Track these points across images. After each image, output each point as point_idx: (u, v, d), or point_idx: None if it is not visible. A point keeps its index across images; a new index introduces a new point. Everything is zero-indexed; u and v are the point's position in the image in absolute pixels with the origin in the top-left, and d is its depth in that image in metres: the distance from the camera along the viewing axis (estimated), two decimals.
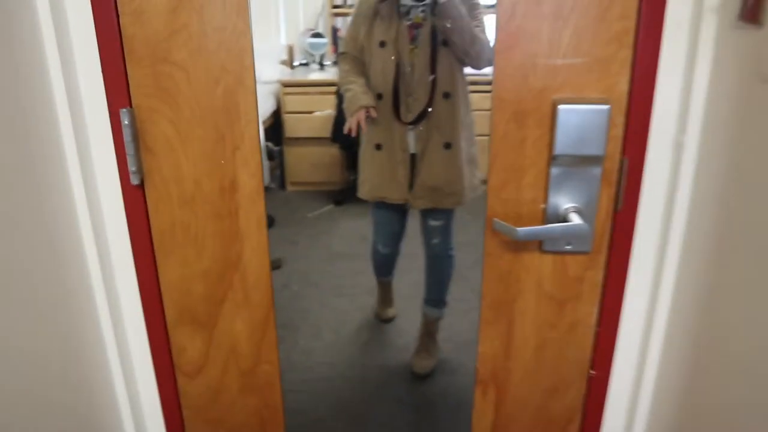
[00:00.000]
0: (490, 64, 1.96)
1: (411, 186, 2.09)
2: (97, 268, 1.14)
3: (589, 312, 1.14)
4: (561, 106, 0.99)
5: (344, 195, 3.48)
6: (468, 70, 1.97)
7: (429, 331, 2.37)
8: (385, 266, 2.52)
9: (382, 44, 1.95)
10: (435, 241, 2.28)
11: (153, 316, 1.20)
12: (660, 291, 1.08)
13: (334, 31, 3.96)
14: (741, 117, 0.87)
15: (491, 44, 1.89)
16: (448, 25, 1.87)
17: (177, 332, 1.22)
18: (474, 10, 1.90)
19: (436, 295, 2.39)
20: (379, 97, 2.00)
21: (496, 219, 1.07)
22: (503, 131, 1.04)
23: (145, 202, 1.12)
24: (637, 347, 1.15)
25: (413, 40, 1.92)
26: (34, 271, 0.98)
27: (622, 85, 1.00)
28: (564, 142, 1.01)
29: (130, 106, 1.05)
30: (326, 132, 3.47)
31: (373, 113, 1.99)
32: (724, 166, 0.92)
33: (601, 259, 1.10)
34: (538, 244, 1.09)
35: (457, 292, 2.66)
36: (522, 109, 1.02)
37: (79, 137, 1.06)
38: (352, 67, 2.02)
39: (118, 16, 1.01)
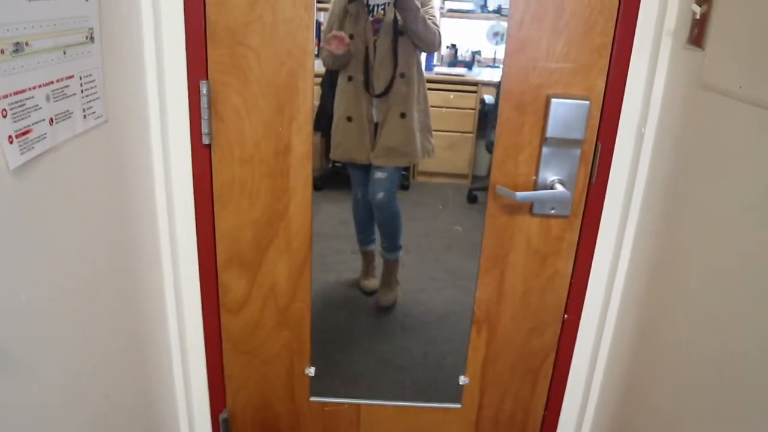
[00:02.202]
0: (438, 48, 2.55)
1: (373, 148, 2.51)
2: (165, 213, 1.37)
3: (566, 266, 1.43)
4: (553, 99, 1.28)
5: (324, 180, 3.69)
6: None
7: (389, 270, 2.77)
8: (364, 221, 2.86)
9: (351, 37, 2.39)
10: (380, 195, 2.68)
11: (206, 259, 1.43)
12: (621, 249, 1.38)
13: (317, 25, 4.19)
14: (686, 114, 1.17)
15: (439, 33, 2.36)
16: (408, 15, 2.27)
17: (226, 273, 1.45)
18: (426, 5, 2.34)
19: (388, 242, 2.79)
20: (350, 78, 2.43)
21: (498, 185, 1.34)
22: (507, 117, 1.32)
23: (211, 160, 1.35)
24: (602, 296, 1.45)
25: (376, 32, 2.35)
26: (112, 207, 1.19)
27: (600, 86, 1.30)
28: (554, 127, 1.30)
29: (208, 79, 1.29)
30: None
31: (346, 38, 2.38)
32: (673, 150, 1.22)
33: (578, 222, 1.39)
34: (529, 208, 1.38)
35: (432, 271, 2.94)
36: (523, 101, 1.31)
37: (162, 101, 1.29)
38: None
39: (204, 5, 1.25)
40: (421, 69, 2.47)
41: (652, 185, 1.31)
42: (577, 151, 1.33)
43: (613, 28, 1.26)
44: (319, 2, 4.25)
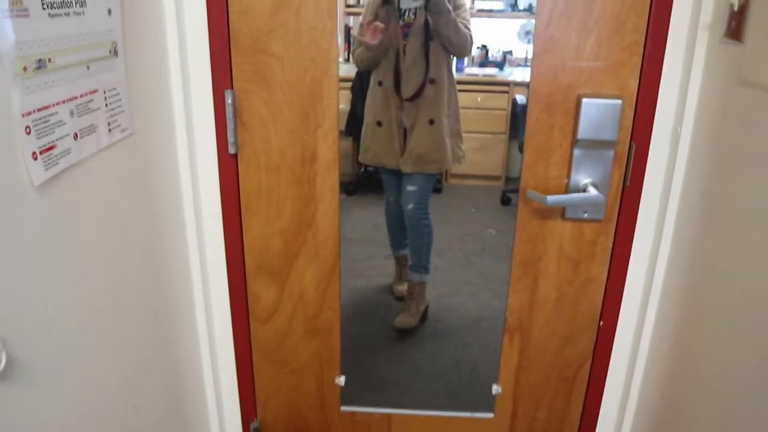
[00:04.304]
0: (469, 53, 2.54)
1: (402, 153, 2.51)
2: (193, 223, 1.37)
3: (600, 271, 1.39)
4: (584, 100, 1.24)
5: (356, 185, 3.70)
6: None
7: (412, 294, 2.71)
8: (396, 225, 2.83)
9: (382, 42, 2.39)
10: (411, 206, 2.65)
11: (235, 268, 1.42)
12: (659, 254, 1.33)
13: (347, 29, 4.19)
14: (725, 112, 1.12)
15: (471, 37, 2.34)
16: (439, 18, 2.27)
17: (254, 282, 1.44)
18: (458, 9, 2.33)
19: (417, 261, 2.73)
20: (380, 83, 2.44)
21: (529, 189, 1.31)
22: (536, 118, 1.28)
23: (237, 168, 1.35)
24: (638, 302, 1.40)
25: (405, 36, 2.37)
26: (139, 218, 1.19)
27: (633, 85, 1.25)
28: (585, 128, 1.26)
29: (232, 89, 1.28)
30: (341, 125, 3.70)
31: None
32: (711, 150, 1.17)
33: (612, 226, 1.35)
34: (561, 212, 1.34)
35: (465, 275, 2.91)
36: (552, 101, 1.27)
37: (187, 112, 1.29)
38: None
39: (228, 13, 1.24)
40: (452, 74, 2.45)
41: (689, 187, 1.26)
42: (610, 153, 1.28)
43: (646, 24, 1.21)
44: (348, 6, 4.25)
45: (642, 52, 1.23)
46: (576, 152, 1.28)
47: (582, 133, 1.26)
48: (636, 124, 1.27)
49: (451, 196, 3.57)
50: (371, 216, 3.43)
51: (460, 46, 2.36)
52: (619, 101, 1.24)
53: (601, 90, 1.26)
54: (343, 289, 2.81)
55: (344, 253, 3.12)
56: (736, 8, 1.07)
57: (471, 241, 3.24)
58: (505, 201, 3.71)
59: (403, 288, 2.86)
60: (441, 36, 2.32)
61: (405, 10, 2.39)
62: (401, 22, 2.37)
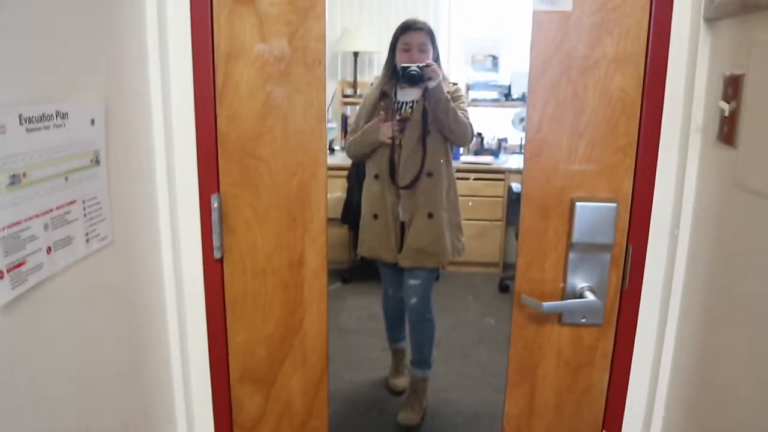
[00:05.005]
0: (469, 141, 2.53)
1: (400, 249, 2.47)
2: (175, 328, 1.32)
3: (601, 377, 1.32)
4: (578, 203, 1.22)
5: (352, 273, 3.66)
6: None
7: (415, 390, 2.62)
8: (394, 318, 2.73)
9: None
10: (413, 300, 2.57)
11: (219, 374, 1.36)
12: (662, 358, 1.27)
13: (344, 118, 4.25)
14: (722, 215, 1.09)
15: (471, 126, 2.37)
16: (438, 106, 2.30)
17: (239, 389, 1.38)
18: (457, 100, 2.36)
19: (419, 356, 2.65)
20: (376, 177, 2.44)
21: (523, 295, 1.26)
22: (530, 222, 1.25)
23: (222, 273, 1.31)
24: (643, 409, 1.33)
25: (402, 131, 2.39)
26: (118, 329, 1.15)
27: (627, 187, 1.23)
28: (580, 231, 1.23)
29: (219, 192, 1.26)
30: (335, 213, 3.69)
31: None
32: (711, 253, 1.13)
33: (611, 330, 1.29)
34: (558, 317, 1.29)
35: (463, 368, 2.82)
36: (545, 204, 1.24)
37: (173, 217, 1.27)
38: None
39: (215, 119, 1.24)
40: (450, 165, 2.45)
41: (690, 289, 1.21)
42: (607, 256, 1.25)
43: (637, 126, 1.21)
44: (345, 96, 4.33)
45: (635, 154, 1.22)
46: (571, 256, 1.25)
47: (577, 236, 1.23)
48: (632, 226, 1.24)
49: (448, 283, 3.51)
50: (368, 305, 3.37)
51: (460, 135, 2.36)
52: (614, 204, 1.22)
53: (595, 192, 1.23)
54: (338, 383, 2.72)
55: (339, 344, 3.05)
56: (727, 113, 1.06)
57: (469, 331, 3.17)
58: (504, 288, 3.66)
59: (400, 382, 2.76)
60: (441, 125, 2.33)
61: (402, 104, 2.41)
62: (398, 116, 2.39)
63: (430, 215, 2.39)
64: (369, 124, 2.42)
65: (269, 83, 1.21)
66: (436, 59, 2.34)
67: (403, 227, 2.44)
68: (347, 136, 2.65)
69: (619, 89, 1.19)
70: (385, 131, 2.41)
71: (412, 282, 2.55)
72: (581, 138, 1.21)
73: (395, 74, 2.33)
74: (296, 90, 1.22)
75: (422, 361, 2.64)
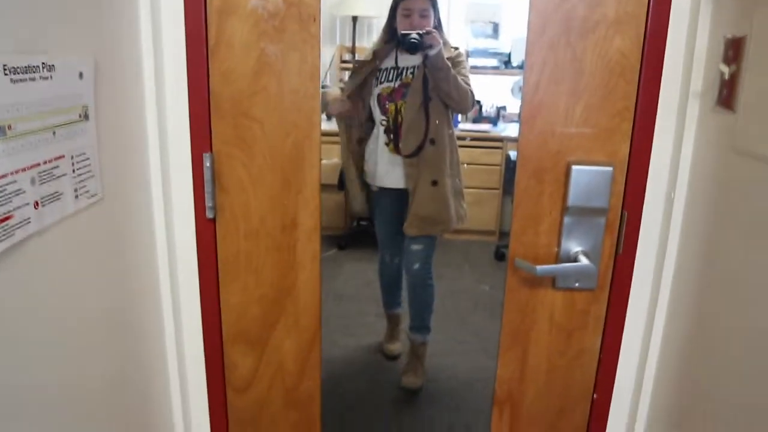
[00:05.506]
0: (470, 109, 2.55)
1: (405, 217, 2.44)
2: (167, 288, 1.32)
3: (594, 341, 1.33)
4: (574, 167, 1.20)
5: (348, 240, 3.65)
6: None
7: (416, 354, 2.64)
8: (390, 284, 2.75)
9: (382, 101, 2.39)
10: (416, 266, 2.57)
11: (211, 334, 1.36)
12: (654, 324, 1.27)
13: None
14: (719, 180, 1.08)
15: (472, 93, 2.34)
16: (438, 74, 2.25)
17: (231, 350, 1.38)
18: (458, 65, 2.31)
19: (418, 321, 2.66)
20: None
21: (517, 258, 1.26)
22: (525, 185, 1.24)
23: (215, 233, 1.30)
24: (634, 374, 1.33)
25: (403, 96, 2.35)
26: (109, 286, 1.14)
27: (624, 151, 1.22)
28: (575, 195, 1.22)
29: (211, 152, 1.25)
30: (332, 179, 3.67)
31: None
32: (706, 217, 1.12)
33: (604, 295, 1.29)
34: (551, 281, 1.28)
35: (459, 334, 2.84)
36: (541, 168, 1.23)
37: (164, 175, 1.25)
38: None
39: (208, 76, 1.21)
40: (452, 132, 2.40)
41: (684, 254, 1.21)
42: (602, 220, 1.24)
43: (636, 90, 1.19)
44: (343, 62, 4.26)
45: (633, 119, 1.20)
46: (566, 220, 1.24)
47: (572, 200, 1.22)
48: (628, 190, 1.23)
49: (444, 251, 3.51)
50: (363, 271, 3.38)
51: (461, 102, 2.32)
52: (610, 168, 1.21)
53: (591, 156, 1.22)
54: (333, 348, 2.74)
55: (335, 310, 3.06)
56: (726, 77, 1.05)
57: (464, 298, 3.18)
58: (499, 256, 3.66)
59: (394, 347, 2.77)
60: (441, 92, 2.28)
61: (403, 69, 2.37)
62: (398, 82, 2.34)
63: (435, 182, 2.36)
64: (330, 89, 2.41)
65: (263, 40, 1.19)
66: (438, 25, 2.29)
67: (406, 195, 2.41)
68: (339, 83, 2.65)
69: (619, 52, 1.17)
70: (336, 106, 2.42)
71: (415, 247, 2.54)
72: (578, 101, 1.20)
73: (394, 38, 2.29)
74: (290, 47, 1.19)
75: (422, 326, 2.65)
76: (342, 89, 2.56)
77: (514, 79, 3.77)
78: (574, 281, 1.27)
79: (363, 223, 3.58)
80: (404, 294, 2.75)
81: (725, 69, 1.05)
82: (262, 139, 1.24)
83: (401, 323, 2.80)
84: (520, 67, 3.64)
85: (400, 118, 2.36)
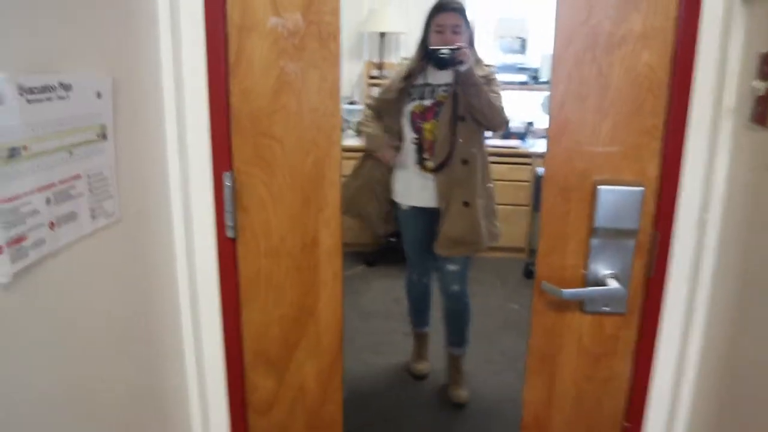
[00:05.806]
0: (503, 127, 2.43)
1: (436, 237, 2.38)
2: (188, 308, 1.31)
3: (623, 368, 1.28)
4: (600, 187, 1.16)
5: (376, 256, 3.63)
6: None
7: (456, 366, 2.63)
8: (419, 303, 2.71)
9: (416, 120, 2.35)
10: (454, 287, 2.53)
11: (233, 355, 1.35)
12: (688, 350, 1.22)
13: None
14: (755, 200, 1.03)
15: (505, 111, 2.29)
16: (470, 90, 2.22)
17: (252, 372, 1.36)
18: (490, 83, 2.27)
19: (456, 336, 2.63)
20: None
21: (544, 281, 1.22)
22: (551, 204, 1.21)
23: (235, 253, 1.29)
24: (667, 402, 1.28)
25: (435, 115, 2.30)
26: (127, 309, 1.13)
27: (653, 170, 1.18)
28: (603, 216, 1.18)
29: (231, 170, 1.24)
30: None
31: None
32: (741, 238, 1.07)
33: (635, 320, 1.24)
34: (579, 305, 1.24)
35: (486, 354, 2.79)
36: (567, 186, 1.19)
37: (184, 194, 1.25)
38: (375, 115, 2.46)
39: (227, 94, 1.21)
40: (484, 152, 2.36)
41: (720, 277, 1.15)
42: (631, 242, 1.19)
43: (665, 106, 1.15)
44: (371, 78, 4.24)
45: (663, 137, 1.16)
46: (593, 241, 1.20)
47: (599, 221, 1.18)
48: (659, 211, 1.18)
49: (474, 268, 3.46)
50: (392, 288, 3.35)
51: (493, 120, 2.27)
52: (641, 188, 1.16)
53: (619, 176, 1.18)
54: (361, 367, 2.71)
55: (362, 327, 3.03)
56: (761, 92, 1.00)
57: (494, 316, 3.13)
58: (529, 274, 3.60)
59: (422, 367, 2.73)
60: (473, 110, 2.24)
61: (434, 86, 2.31)
62: (432, 100, 2.30)
63: (466, 204, 2.31)
64: (376, 136, 2.38)
65: (283, 58, 1.18)
66: (470, 41, 2.26)
67: (437, 214, 2.36)
68: (364, 109, 2.62)
69: (647, 67, 1.13)
70: (387, 156, 2.38)
71: (451, 267, 2.49)
72: (605, 118, 1.16)
73: (427, 56, 2.26)
74: (310, 65, 1.18)
75: (461, 339, 2.63)
76: (369, 106, 2.54)
77: (543, 95, 3.73)
78: (602, 305, 1.22)
79: (392, 239, 3.55)
80: (433, 313, 2.71)
81: (760, 85, 1.01)
82: (282, 157, 1.23)
83: (429, 342, 2.76)
84: (548, 82, 3.60)
85: (432, 137, 2.32)
